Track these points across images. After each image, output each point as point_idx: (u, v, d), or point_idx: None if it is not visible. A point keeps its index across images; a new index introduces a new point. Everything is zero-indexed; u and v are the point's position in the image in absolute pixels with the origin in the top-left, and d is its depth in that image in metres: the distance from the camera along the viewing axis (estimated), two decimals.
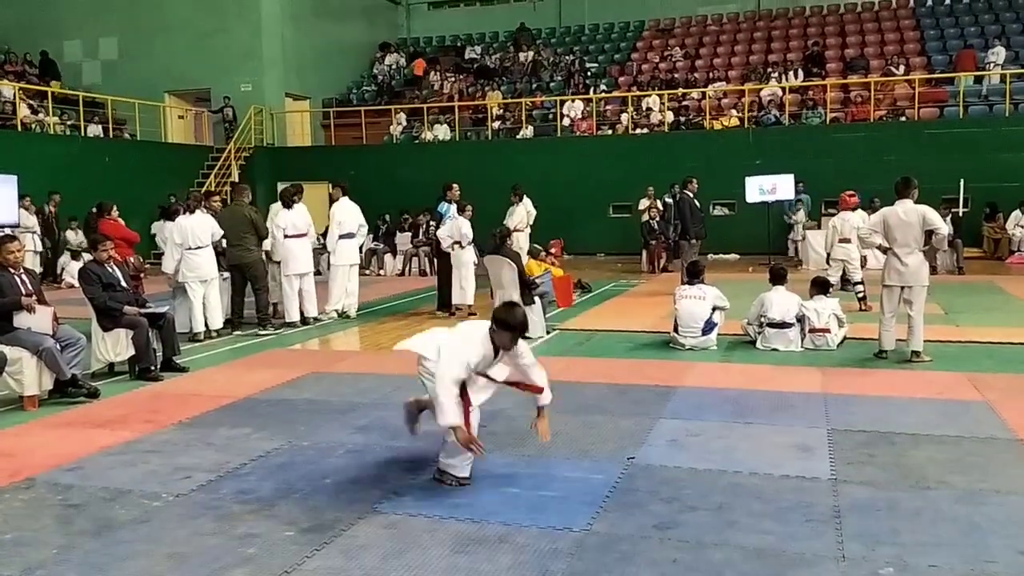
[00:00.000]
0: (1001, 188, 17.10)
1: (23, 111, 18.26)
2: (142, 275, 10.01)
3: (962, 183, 16.05)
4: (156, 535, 4.05)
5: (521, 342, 4.51)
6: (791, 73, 21.54)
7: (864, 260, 10.55)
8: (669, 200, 16.30)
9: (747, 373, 7.40)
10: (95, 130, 20.05)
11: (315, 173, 18.98)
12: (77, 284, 8.34)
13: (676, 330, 8.57)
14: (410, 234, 17.40)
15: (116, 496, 4.56)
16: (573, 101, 22.10)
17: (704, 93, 20.99)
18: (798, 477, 4.66)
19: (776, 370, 7.49)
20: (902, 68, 20.67)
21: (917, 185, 7.78)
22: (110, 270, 7.65)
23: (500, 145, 21.76)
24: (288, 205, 10.36)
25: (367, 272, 15.96)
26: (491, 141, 22.02)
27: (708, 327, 8.44)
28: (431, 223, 14.38)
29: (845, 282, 10.90)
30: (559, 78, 24.09)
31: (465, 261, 10.92)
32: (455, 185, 11.45)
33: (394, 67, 26.71)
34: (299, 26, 23.78)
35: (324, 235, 11.63)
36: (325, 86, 25.07)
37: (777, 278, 8.62)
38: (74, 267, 13.63)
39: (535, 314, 9.18)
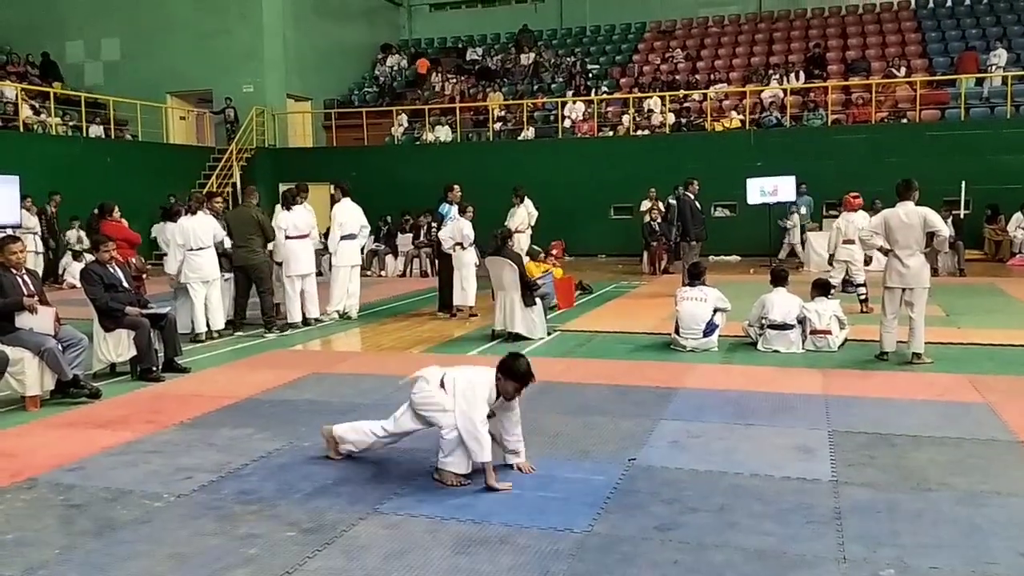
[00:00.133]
0: (1002, 190, 17.09)
1: (25, 112, 18.28)
2: (144, 276, 10.01)
3: (963, 185, 16.07)
4: (157, 535, 4.05)
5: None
6: (792, 75, 21.51)
7: (868, 260, 10.52)
8: (672, 201, 16.28)
9: (748, 375, 7.40)
10: (97, 131, 20.07)
11: (316, 174, 18.96)
12: (78, 284, 8.34)
13: (677, 331, 8.57)
14: (411, 235, 17.39)
15: (118, 496, 4.57)
16: (574, 102, 22.08)
17: (705, 95, 20.98)
18: (799, 478, 4.66)
19: (777, 372, 7.50)
20: (903, 70, 20.65)
21: (918, 187, 7.78)
22: (112, 271, 7.64)
23: (501, 146, 21.74)
24: (288, 206, 10.36)
25: (368, 273, 15.97)
26: (492, 142, 22.00)
27: (709, 329, 8.44)
28: (432, 224, 14.36)
29: (847, 283, 10.89)
30: (560, 79, 24.09)
31: (466, 262, 10.92)
32: (456, 186, 11.45)
33: (395, 68, 26.73)
34: (301, 27, 23.80)
35: (326, 236, 11.65)
36: (327, 87, 25.09)
37: (778, 280, 8.63)
38: (75, 268, 13.64)
39: (536, 315, 9.20)
